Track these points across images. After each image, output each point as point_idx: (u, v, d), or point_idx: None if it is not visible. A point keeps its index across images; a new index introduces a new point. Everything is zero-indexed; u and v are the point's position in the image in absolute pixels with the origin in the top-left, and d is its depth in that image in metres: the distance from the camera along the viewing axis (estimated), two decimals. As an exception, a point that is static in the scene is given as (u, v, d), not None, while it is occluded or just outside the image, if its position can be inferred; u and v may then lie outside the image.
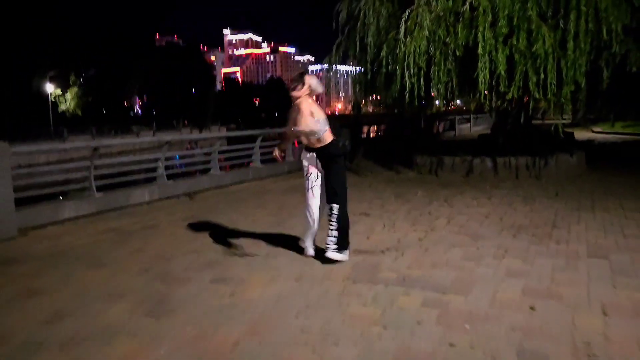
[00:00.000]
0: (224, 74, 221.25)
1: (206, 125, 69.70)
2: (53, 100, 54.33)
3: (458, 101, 13.55)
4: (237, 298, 4.05)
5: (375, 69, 11.90)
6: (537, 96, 9.69)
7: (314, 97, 4.95)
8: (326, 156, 4.92)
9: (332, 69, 13.58)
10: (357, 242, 5.68)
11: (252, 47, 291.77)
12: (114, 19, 57.88)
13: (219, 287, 4.30)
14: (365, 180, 11.30)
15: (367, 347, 3.12)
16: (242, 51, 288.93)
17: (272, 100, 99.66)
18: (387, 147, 16.53)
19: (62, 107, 59.72)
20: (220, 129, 68.98)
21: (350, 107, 18.21)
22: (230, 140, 17.83)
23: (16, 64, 46.03)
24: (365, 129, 21.05)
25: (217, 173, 10.63)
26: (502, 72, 9.65)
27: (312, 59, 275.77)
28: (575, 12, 9.38)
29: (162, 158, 9.21)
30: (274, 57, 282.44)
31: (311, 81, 4.85)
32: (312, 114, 4.75)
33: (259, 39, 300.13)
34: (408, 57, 10.21)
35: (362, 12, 11.67)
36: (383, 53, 10.99)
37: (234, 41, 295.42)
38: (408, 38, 10.24)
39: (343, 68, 17.25)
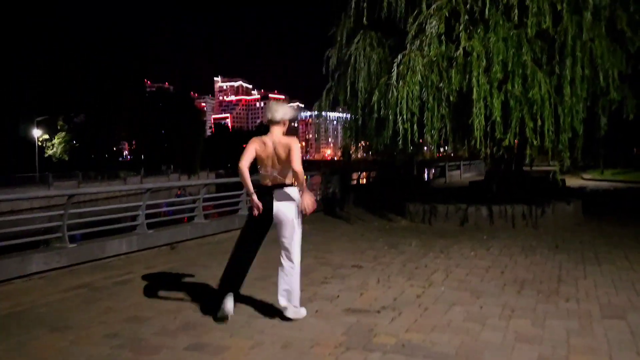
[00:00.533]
0: (214, 119, 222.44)
1: (195, 171, 69.40)
2: (40, 144, 53.81)
3: (446, 147, 13.35)
4: (214, 371, 3.54)
5: (366, 115, 11.66)
6: (535, 143, 9.45)
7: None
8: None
9: (321, 115, 13.36)
10: (351, 300, 5.28)
11: (243, 93, 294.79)
12: (105, 64, 57.73)
13: (194, 357, 3.80)
14: (357, 228, 10.88)
15: None
16: (232, 97, 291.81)
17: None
18: (378, 194, 16.20)
19: (49, 152, 59.15)
20: (209, 175, 68.85)
21: (339, 153, 17.97)
22: (219, 187, 17.41)
23: (3, 108, 45.71)
24: (355, 175, 20.77)
25: (201, 221, 10.14)
26: (498, 118, 9.42)
27: (301, 105, 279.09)
28: (570, 59, 9.25)
29: (142, 206, 8.73)
30: (264, 104, 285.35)
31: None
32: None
33: (250, 85, 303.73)
34: (401, 102, 9.97)
35: (352, 58, 11.51)
36: (375, 98, 10.75)
37: (224, 87, 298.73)
38: (400, 83, 10.02)
39: (333, 115, 17.15)
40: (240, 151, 4.54)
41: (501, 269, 6.71)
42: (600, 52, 9.30)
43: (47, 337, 4.30)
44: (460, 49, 9.77)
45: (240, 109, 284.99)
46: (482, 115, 9.52)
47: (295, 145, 4.41)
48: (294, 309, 4.57)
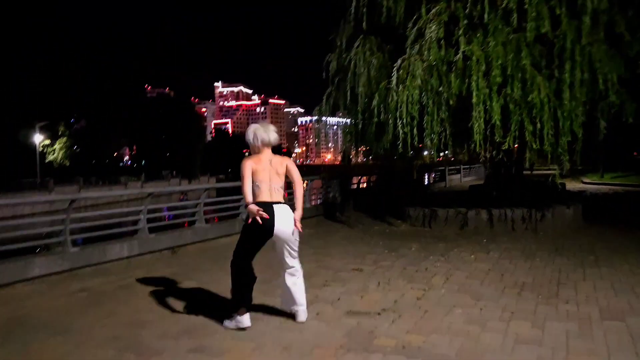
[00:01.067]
0: (215, 124, 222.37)
1: (195, 176, 69.34)
2: (41, 149, 53.81)
3: (446, 151, 13.36)
4: (216, 373, 3.56)
5: (366, 119, 11.69)
6: (535, 146, 9.47)
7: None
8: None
9: (321, 120, 13.39)
10: (351, 302, 5.30)
11: (243, 99, 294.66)
12: (105, 63, 57.90)
13: (197, 359, 3.82)
14: (357, 233, 10.89)
15: None
16: (232, 103, 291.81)
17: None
18: (378, 198, 16.20)
19: (50, 157, 59.14)
20: (210, 180, 68.74)
21: (339, 158, 17.97)
22: (220, 192, 17.42)
23: (5, 113, 45.75)
24: (355, 180, 20.78)
25: (202, 226, 10.14)
26: (497, 122, 9.44)
27: (302, 110, 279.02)
28: (569, 63, 9.26)
29: (144, 210, 8.75)
30: (265, 109, 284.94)
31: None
32: None
33: (250, 91, 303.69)
34: (401, 107, 9.99)
35: (352, 63, 11.53)
36: (375, 103, 10.78)
37: (225, 93, 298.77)
38: (400, 87, 10.04)
39: (333, 120, 17.19)
40: (241, 156, 4.65)
41: (501, 272, 6.72)
42: (599, 56, 9.31)
43: (49, 340, 4.32)
44: (460, 53, 9.80)
45: (240, 114, 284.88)
46: (482, 119, 9.54)
47: (291, 160, 4.75)
48: (303, 310, 4.70)
